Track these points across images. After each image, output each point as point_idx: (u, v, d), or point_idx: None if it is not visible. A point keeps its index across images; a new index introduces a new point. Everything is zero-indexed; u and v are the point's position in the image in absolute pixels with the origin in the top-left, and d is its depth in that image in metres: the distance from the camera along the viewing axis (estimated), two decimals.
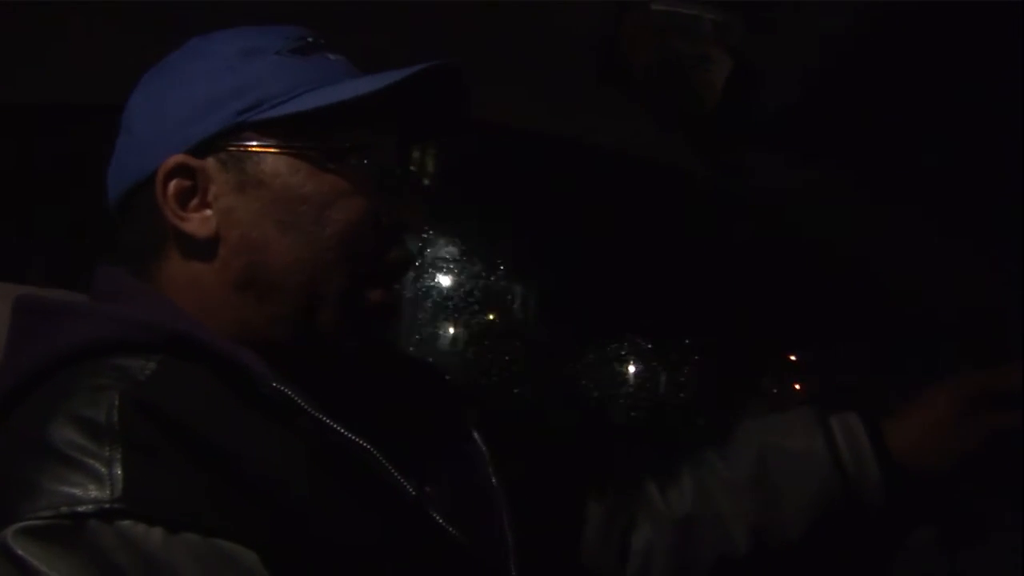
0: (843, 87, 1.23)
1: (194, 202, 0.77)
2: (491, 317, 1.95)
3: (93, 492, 0.61)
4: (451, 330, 1.93)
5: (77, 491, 0.61)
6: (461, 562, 0.77)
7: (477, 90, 0.82)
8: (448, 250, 1.80)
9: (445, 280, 1.83)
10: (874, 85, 1.21)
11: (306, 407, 0.72)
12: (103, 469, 0.62)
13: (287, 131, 0.77)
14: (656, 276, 1.96)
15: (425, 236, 0.82)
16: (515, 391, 1.95)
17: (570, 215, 1.91)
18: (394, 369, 0.90)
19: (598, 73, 1.23)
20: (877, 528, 0.95)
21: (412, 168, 0.86)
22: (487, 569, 0.80)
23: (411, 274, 0.82)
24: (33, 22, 1.19)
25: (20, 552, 0.58)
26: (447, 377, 0.96)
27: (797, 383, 1.93)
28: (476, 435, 0.86)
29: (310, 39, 0.81)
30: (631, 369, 2.00)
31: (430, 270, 1.77)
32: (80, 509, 0.60)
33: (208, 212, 0.77)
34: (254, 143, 0.77)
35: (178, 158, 0.77)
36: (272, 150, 0.77)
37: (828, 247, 1.51)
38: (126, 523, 0.60)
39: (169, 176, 0.77)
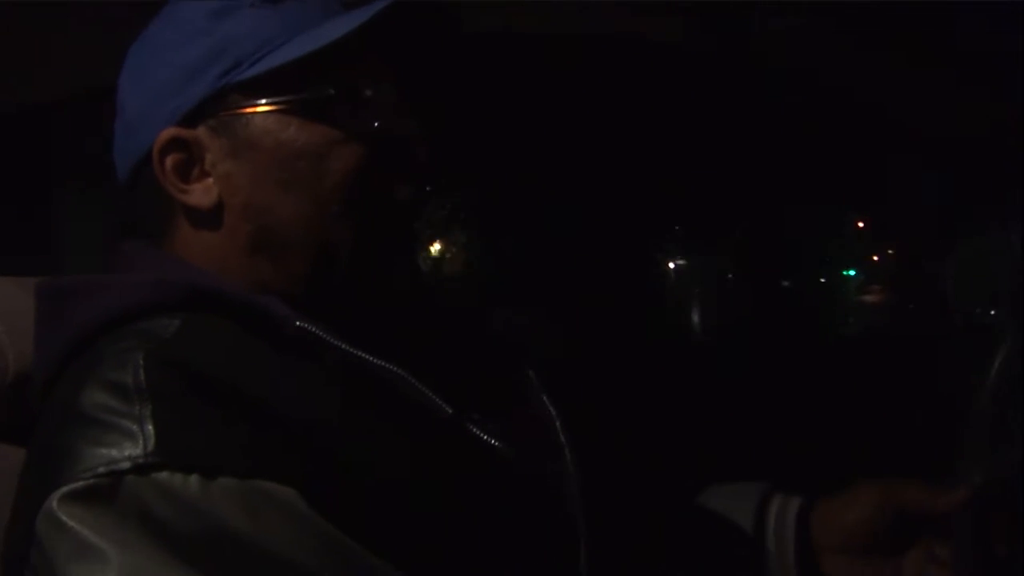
0: None
1: (195, 172, 0.77)
2: None
3: (128, 450, 0.62)
4: None
5: (113, 451, 0.62)
6: (512, 478, 0.76)
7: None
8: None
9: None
10: None
11: (331, 340, 0.72)
12: (135, 427, 0.63)
13: (270, 87, 0.75)
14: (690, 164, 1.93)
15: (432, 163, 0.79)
16: None
17: (581, 110, 1.88)
18: (437, 315, 0.89)
19: None
20: None
21: (407, 98, 0.82)
22: (543, 485, 0.79)
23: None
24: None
25: (64, 517, 0.60)
26: (501, 328, 0.95)
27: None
28: (530, 374, 0.85)
29: None
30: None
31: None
32: (117, 467, 0.61)
33: (209, 181, 0.77)
34: (240, 105, 0.76)
35: (170, 132, 0.76)
36: (259, 109, 0.76)
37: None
38: (163, 475, 0.61)
39: (164, 151, 0.77)
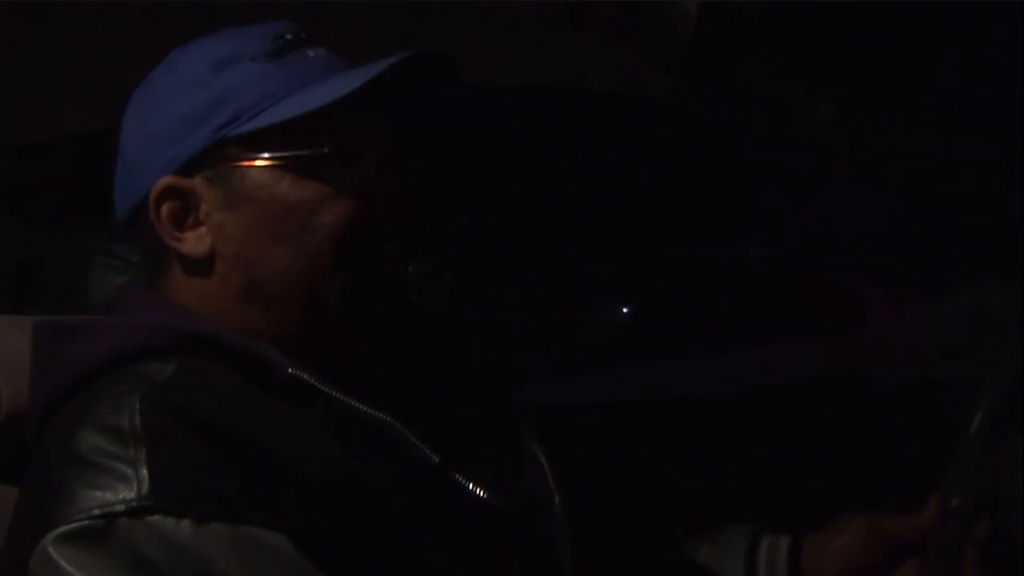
0: None
1: (189, 220, 0.78)
2: None
3: (122, 493, 0.63)
4: None
5: (107, 493, 0.63)
6: (498, 526, 0.77)
7: (457, 55, 0.80)
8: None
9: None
10: None
11: (322, 388, 0.73)
12: (129, 470, 0.64)
13: (267, 142, 0.76)
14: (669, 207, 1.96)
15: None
16: None
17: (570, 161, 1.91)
18: (429, 363, 0.89)
19: (572, 21, 1.23)
20: None
21: (401, 156, 0.83)
22: (530, 534, 0.79)
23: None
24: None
25: (57, 557, 0.61)
26: (488, 371, 0.96)
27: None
28: (517, 421, 0.86)
29: (288, 36, 0.79)
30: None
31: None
32: (111, 510, 0.62)
33: (203, 230, 0.78)
34: (236, 158, 0.77)
35: (166, 180, 0.77)
36: (255, 163, 0.77)
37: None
38: (155, 518, 0.62)
39: (160, 199, 0.78)
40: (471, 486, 0.76)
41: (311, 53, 0.80)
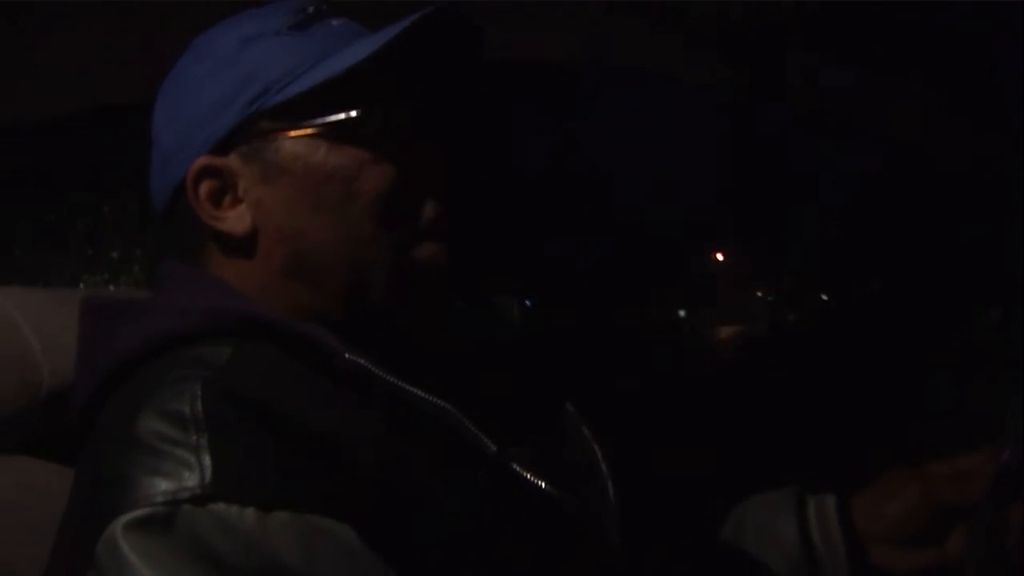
0: None
1: (227, 200, 0.78)
2: None
3: (185, 480, 0.62)
4: None
5: (170, 480, 0.62)
6: (556, 517, 0.75)
7: (491, 29, 0.79)
8: None
9: None
10: None
11: (381, 374, 0.72)
12: (192, 457, 0.63)
13: (298, 112, 0.76)
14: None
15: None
16: None
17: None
18: (480, 347, 0.89)
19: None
20: None
21: (436, 115, 0.82)
22: (586, 524, 0.78)
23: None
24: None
25: (124, 544, 0.60)
26: (542, 358, 0.95)
27: None
28: (569, 406, 0.85)
29: (310, 9, 0.79)
30: None
31: None
32: (175, 497, 0.61)
33: (242, 207, 0.77)
34: (269, 131, 0.76)
35: (202, 160, 0.77)
36: (288, 134, 0.76)
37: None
38: (219, 506, 0.61)
39: (198, 179, 0.77)
40: (528, 475, 0.74)
41: (334, 23, 0.80)
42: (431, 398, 0.72)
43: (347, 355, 0.72)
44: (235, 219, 0.77)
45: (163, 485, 0.62)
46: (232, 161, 0.77)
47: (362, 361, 0.72)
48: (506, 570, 0.71)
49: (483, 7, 0.79)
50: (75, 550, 0.65)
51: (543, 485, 0.74)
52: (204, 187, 0.77)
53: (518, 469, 0.74)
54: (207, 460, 0.63)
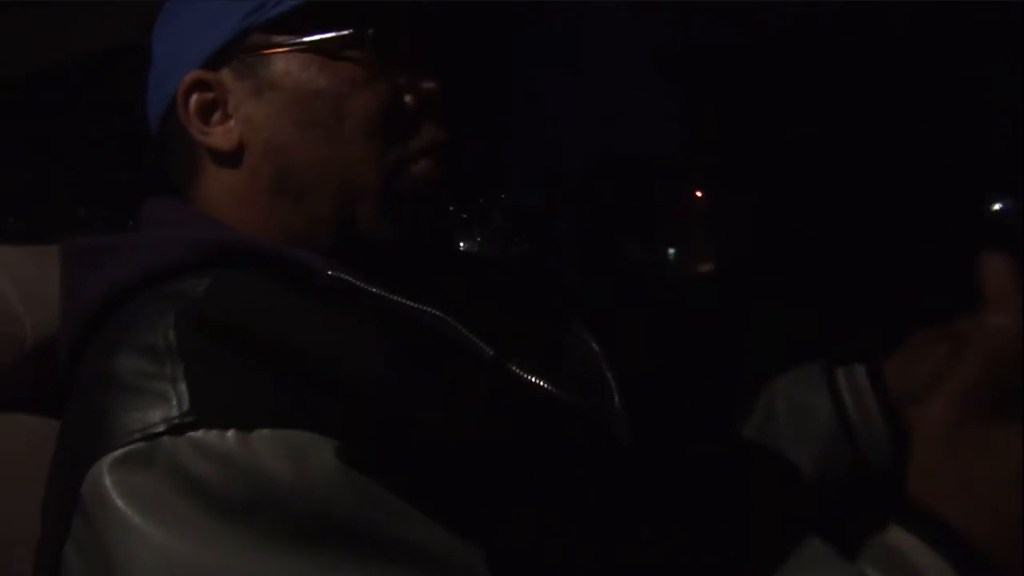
0: None
1: (217, 115, 0.78)
2: None
3: (161, 412, 0.61)
4: None
5: (147, 414, 0.61)
6: (560, 417, 0.74)
7: None
8: None
9: None
10: None
11: (364, 286, 0.71)
12: (169, 388, 0.62)
13: (293, 28, 0.76)
14: None
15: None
16: None
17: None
18: (469, 262, 0.88)
19: None
20: (886, 491, 0.89)
21: (430, 38, 0.82)
22: (590, 420, 0.77)
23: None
24: None
25: (107, 484, 0.59)
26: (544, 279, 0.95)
27: None
28: (570, 312, 0.85)
29: None
30: None
31: None
32: (152, 431, 0.60)
33: (231, 123, 0.77)
34: (262, 46, 0.76)
35: (194, 73, 0.77)
36: (281, 50, 0.76)
37: None
38: (199, 433, 0.60)
39: (188, 93, 0.77)
40: (528, 376, 0.73)
41: None
42: (419, 306, 0.71)
43: (329, 272, 0.71)
44: (223, 134, 0.77)
45: (141, 420, 0.61)
46: (223, 75, 0.77)
47: (345, 276, 0.71)
48: (511, 476, 0.69)
49: None
50: (63, 495, 0.64)
51: (545, 385, 0.73)
52: (194, 100, 0.77)
53: (518, 371, 0.73)
54: (183, 388, 0.61)
